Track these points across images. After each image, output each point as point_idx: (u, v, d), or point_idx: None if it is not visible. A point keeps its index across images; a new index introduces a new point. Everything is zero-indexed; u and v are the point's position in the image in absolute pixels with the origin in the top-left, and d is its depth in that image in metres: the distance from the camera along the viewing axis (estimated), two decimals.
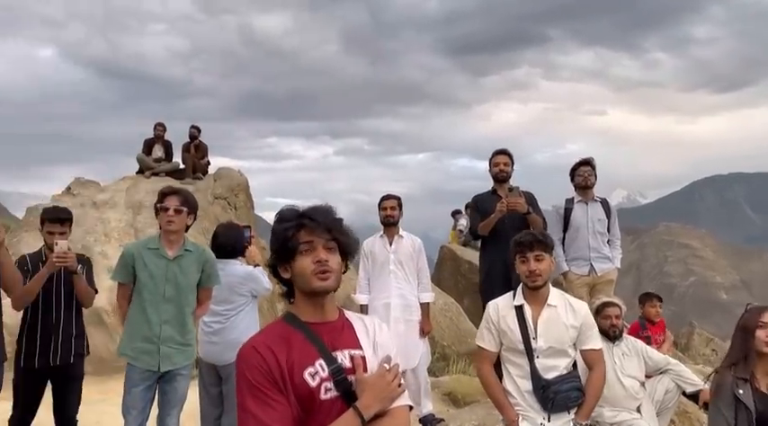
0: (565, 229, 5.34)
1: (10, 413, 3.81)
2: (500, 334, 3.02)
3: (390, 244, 4.72)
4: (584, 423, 2.94)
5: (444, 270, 11.65)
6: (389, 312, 4.56)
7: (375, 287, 4.70)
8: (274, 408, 1.54)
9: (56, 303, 3.75)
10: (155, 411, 3.66)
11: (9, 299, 3.51)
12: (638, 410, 4.10)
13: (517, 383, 2.97)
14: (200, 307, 3.78)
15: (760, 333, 2.66)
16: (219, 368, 4.15)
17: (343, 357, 1.66)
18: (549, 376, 2.90)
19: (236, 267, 4.25)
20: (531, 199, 4.83)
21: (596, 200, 5.36)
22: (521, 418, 2.93)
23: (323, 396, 1.60)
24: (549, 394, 2.86)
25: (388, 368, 1.67)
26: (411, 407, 1.71)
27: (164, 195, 3.56)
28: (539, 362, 2.92)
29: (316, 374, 1.61)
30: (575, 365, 3.04)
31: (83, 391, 4.18)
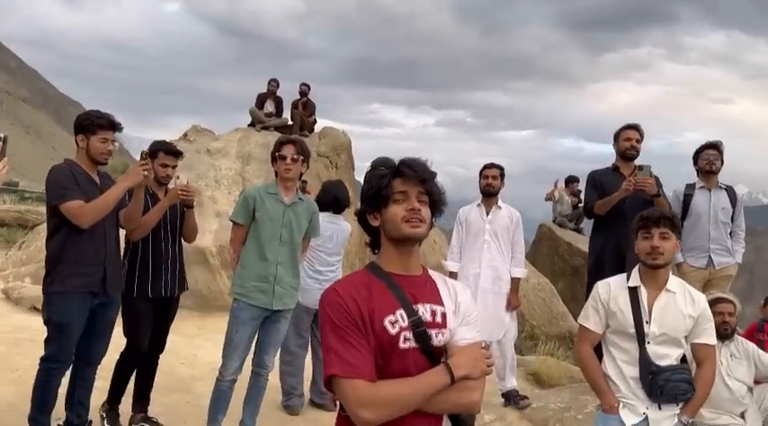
0: (683, 217, 4.89)
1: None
2: (608, 315, 2.83)
3: (487, 214, 4.60)
4: (689, 421, 2.72)
5: (541, 250, 11.31)
6: (479, 282, 4.48)
7: (467, 256, 4.62)
8: (356, 348, 1.56)
9: (164, 235, 3.77)
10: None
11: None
12: (743, 416, 3.81)
13: (621, 368, 2.77)
14: (299, 257, 3.90)
15: None
16: None
17: (424, 310, 1.66)
18: (661, 363, 2.70)
19: (346, 224, 4.69)
20: (659, 183, 4.46)
21: (721, 188, 4.92)
22: (621, 405, 2.75)
23: (402, 345, 1.61)
24: (659, 381, 2.66)
25: (484, 345, 1.70)
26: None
27: (281, 144, 3.70)
28: (649, 348, 2.71)
29: (395, 322, 1.62)
30: (684, 359, 2.82)
31: (181, 324, 4.36)
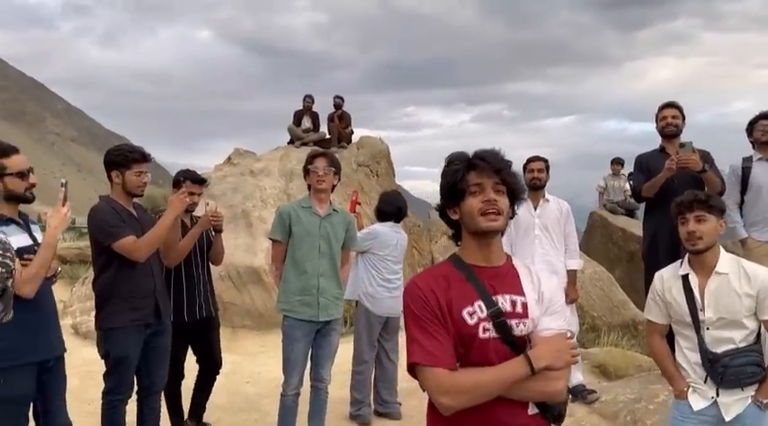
0: (743, 191, 4.73)
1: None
2: (667, 306, 2.78)
3: (535, 209, 4.51)
4: (764, 402, 2.61)
5: (594, 238, 11.06)
6: None
7: (519, 253, 4.49)
8: (436, 338, 1.62)
9: (195, 260, 3.95)
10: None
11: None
12: None
13: (687, 355, 2.73)
14: (342, 269, 3.93)
15: None
16: (394, 319, 4.63)
17: (503, 301, 1.68)
18: (720, 349, 2.62)
19: (404, 233, 4.87)
20: (706, 156, 4.29)
21: None
22: (691, 390, 2.71)
23: (482, 335, 1.65)
24: (718, 369, 2.60)
25: (570, 336, 1.70)
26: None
27: (312, 157, 3.83)
28: (708, 334, 2.64)
29: (474, 313, 1.65)
30: (759, 336, 2.69)
31: (242, 344, 4.49)
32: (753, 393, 2.63)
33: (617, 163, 11.06)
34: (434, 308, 1.64)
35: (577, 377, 4.46)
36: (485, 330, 1.64)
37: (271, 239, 3.90)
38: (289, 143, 10.80)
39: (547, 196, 4.55)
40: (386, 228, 4.66)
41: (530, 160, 4.62)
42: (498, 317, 1.65)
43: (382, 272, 4.57)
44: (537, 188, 4.53)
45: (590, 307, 8.08)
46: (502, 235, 1.75)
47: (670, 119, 4.43)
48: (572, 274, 4.50)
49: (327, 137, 10.75)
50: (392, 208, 4.74)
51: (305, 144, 10.45)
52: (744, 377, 2.59)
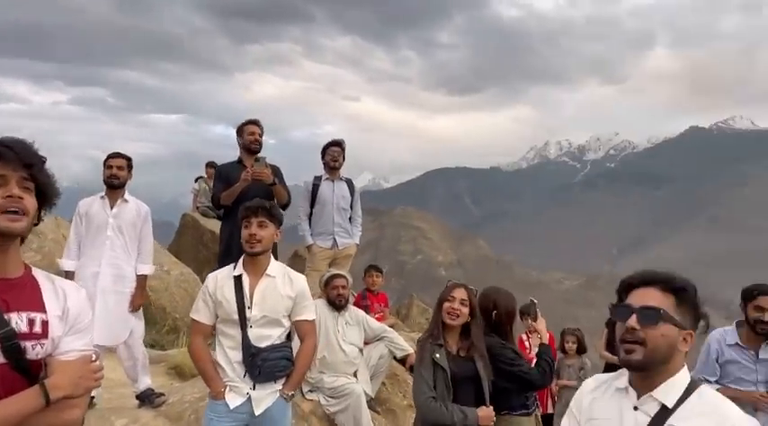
0: (312, 205, 5.54)
1: None
2: (216, 306, 2.92)
3: (111, 208, 4.23)
4: (290, 394, 2.95)
5: (186, 240, 11.11)
6: (98, 282, 4.09)
7: (86, 253, 4.19)
8: None
9: None
10: None
11: None
12: (355, 375, 4.42)
13: (228, 354, 2.90)
14: None
15: (446, 306, 3.01)
16: None
17: (19, 319, 1.45)
18: (261, 345, 2.87)
19: None
20: (277, 171, 4.80)
21: (342, 179, 5.66)
22: (228, 389, 2.87)
23: None
24: (257, 362, 2.84)
25: (94, 358, 1.54)
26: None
27: None
28: (251, 332, 2.87)
29: None
30: (289, 336, 3.05)
31: None
32: (281, 387, 2.94)
33: (211, 167, 11.34)
34: None
35: (145, 381, 4.36)
36: None
37: None
38: None
39: (126, 196, 4.33)
40: None
41: (109, 156, 4.34)
42: (10, 340, 1.42)
43: None
44: (115, 186, 4.27)
45: (173, 309, 8.06)
46: (22, 241, 1.53)
47: (257, 136, 4.89)
48: (141, 279, 4.34)
49: None
50: None
51: None
52: (277, 370, 2.89)
